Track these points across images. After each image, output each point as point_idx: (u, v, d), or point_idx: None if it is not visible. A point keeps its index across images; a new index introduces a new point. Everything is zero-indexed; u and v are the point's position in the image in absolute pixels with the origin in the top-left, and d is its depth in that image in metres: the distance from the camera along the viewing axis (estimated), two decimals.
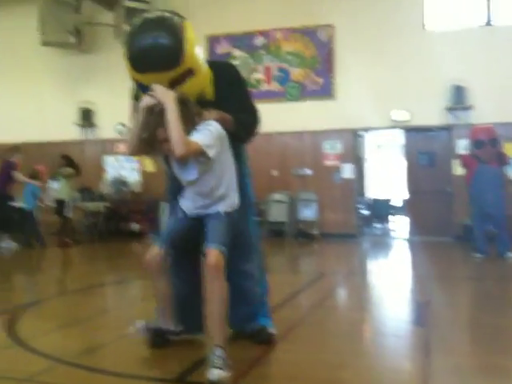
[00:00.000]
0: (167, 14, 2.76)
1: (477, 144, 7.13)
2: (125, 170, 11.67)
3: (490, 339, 3.33)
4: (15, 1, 12.07)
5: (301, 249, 9.11)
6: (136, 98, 2.88)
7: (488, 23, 10.07)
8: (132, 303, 4.71)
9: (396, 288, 5.42)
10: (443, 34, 10.18)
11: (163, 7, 11.41)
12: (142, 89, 2.73)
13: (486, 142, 7.02)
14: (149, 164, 11.47)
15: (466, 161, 7.39)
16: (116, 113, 11.69)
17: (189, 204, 2.89)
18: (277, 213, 10.12)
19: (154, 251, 2.88)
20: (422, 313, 4.03)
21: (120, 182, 11.35)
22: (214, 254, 2.63)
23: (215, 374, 2.47)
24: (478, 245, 7.12)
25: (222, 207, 2.79)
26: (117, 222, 11.11)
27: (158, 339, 2.99)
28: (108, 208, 10.86)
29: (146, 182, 11.46)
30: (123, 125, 11.59)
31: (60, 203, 9.19)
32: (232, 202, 2.84)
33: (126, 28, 10.60)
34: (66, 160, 9.43)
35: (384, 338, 3.41)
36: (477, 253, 7.10)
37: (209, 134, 2.69)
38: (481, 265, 6.74)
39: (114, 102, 11.59)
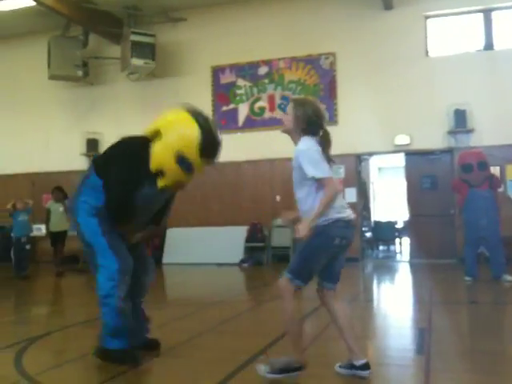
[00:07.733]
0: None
1: (465, 168, 7.15)
2: None
3: (488, 367, 3.36)
4: (23, 37, 12.42)
5: None
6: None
7: (488, 47, 10.24)
8: None
9: (397, 314, 5.47)
10: (445, 59, 10.35)
11: (167, 42, 11.70)
12: (188, 168, 3.23)
13: (475, 165, 7.03)
14: None
15: (456, 185, 7.41)
16: None
17: None
18: (280, 238, 10.21)
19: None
20: (423, 340, 4.07)
21: None
22: None
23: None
24: (468, 268, 7.15)
25: None
26: None
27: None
28: None
29: None
30: None
31: (58, 234, 9.36)
32: None
33: (133, 61, 10.86)
34: (61, 191, 9.47)
35: (385, 367, 3.45)
36: (466, 276, 7.14)
37: None
38: (476, 288, 6.79)
39: (120, 131, 11.74)
